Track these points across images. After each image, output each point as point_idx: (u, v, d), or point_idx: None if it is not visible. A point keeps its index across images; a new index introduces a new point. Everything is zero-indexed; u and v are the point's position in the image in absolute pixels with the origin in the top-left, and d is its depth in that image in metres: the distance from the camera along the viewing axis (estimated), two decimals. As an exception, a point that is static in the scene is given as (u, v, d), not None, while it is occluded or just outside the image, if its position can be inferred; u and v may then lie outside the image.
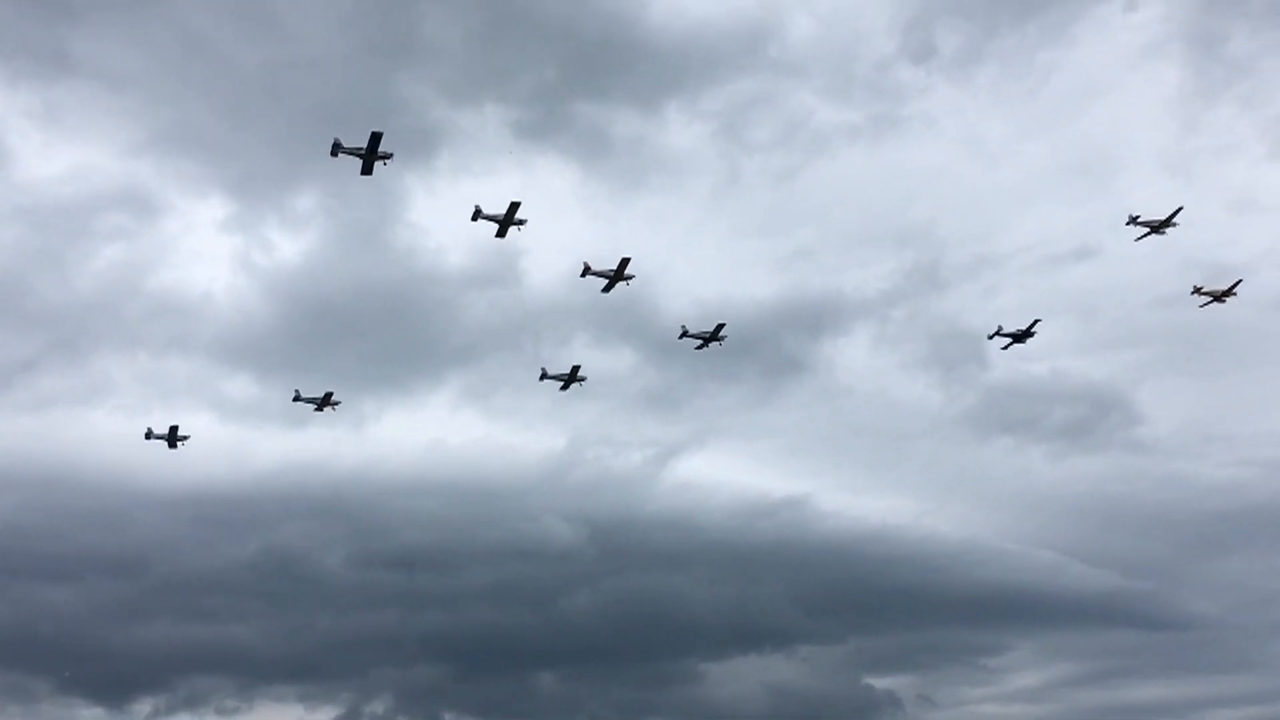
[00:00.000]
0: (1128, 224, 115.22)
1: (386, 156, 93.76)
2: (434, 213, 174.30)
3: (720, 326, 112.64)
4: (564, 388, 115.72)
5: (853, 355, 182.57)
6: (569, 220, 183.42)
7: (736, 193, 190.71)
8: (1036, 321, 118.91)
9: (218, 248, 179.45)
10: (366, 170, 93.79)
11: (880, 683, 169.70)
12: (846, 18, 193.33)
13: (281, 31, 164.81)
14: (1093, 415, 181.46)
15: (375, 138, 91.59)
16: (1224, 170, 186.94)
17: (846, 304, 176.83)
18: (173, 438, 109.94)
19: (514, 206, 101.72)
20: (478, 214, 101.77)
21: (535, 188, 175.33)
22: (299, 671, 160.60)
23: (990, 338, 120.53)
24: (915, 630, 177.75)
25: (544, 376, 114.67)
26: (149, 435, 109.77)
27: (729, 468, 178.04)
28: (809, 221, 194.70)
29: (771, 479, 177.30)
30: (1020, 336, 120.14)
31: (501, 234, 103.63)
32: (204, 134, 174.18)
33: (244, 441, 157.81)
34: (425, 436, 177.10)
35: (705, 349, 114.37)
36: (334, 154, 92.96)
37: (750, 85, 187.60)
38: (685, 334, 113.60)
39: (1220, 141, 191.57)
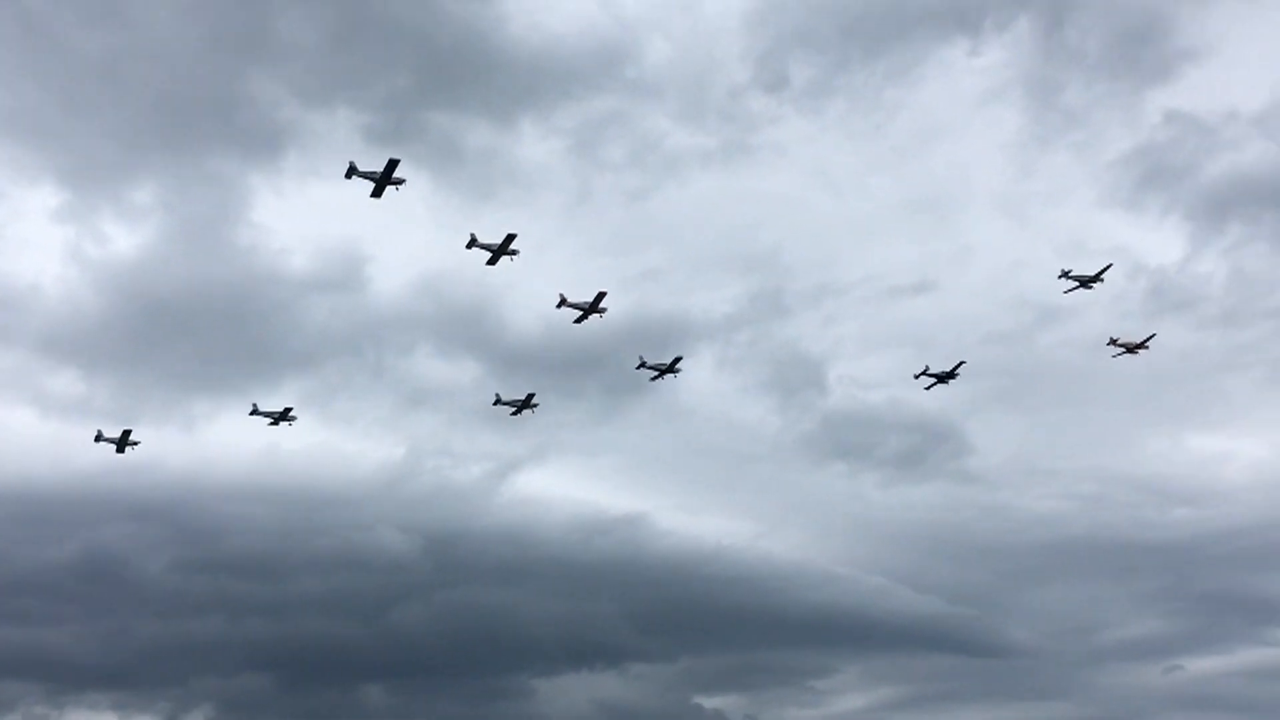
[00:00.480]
0: (1060, 277, 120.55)
1: (400, 181, 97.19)
2: (279, 213, 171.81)
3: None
4: (515, 413, 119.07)
5: (696, 377, 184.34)
6: (417, 229, 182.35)
7: (588, 210, 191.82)
8: (961, 364, 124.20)
9: (48, 237, 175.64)
10: (377, 194, 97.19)
11: (710, 702, 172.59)
12: (702, 43, 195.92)
13: (126, 18, 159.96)
14: (925, 445, 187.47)
15: (392, 164, 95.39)
16: (1057, 214, 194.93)
17: (692, 326, 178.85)
18: (123, 442, 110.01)
19: (509, 238, 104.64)
20: (473, 242, 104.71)
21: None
22: (114, 678, 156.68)
23: (916, 377, 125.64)
24: (746, 651, 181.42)
25: (498, 402, 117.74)
26: (98, 438, 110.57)
27: (568, 484, 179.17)
28: (658, 242, 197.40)
29: (610, 496, 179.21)
30: (944, 377, 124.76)
31: (492, 262, 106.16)
32: (38, 119, 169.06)
33: (66, 440, 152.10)
34: (259, 441, 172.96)
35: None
36: (348, 176, 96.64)
37: (605, 104, 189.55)
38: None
39: (1054, 186, 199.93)
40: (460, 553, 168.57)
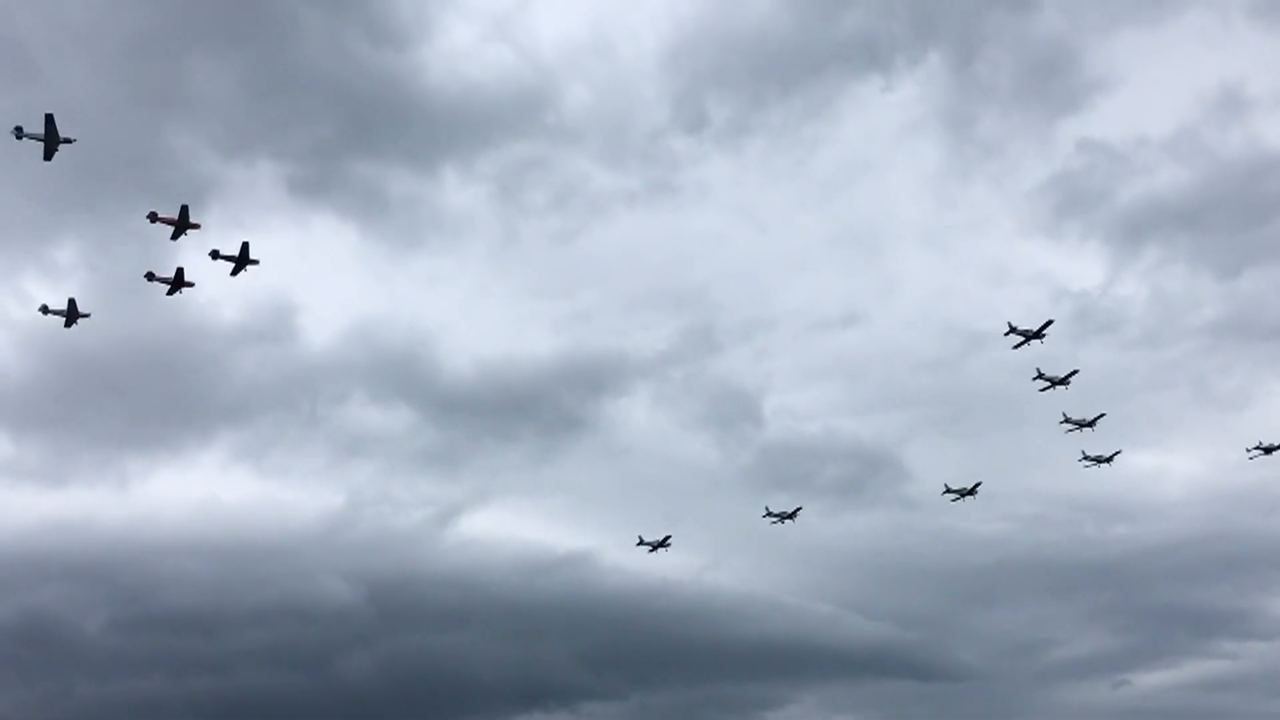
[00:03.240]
0: (1005, 334, 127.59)
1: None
2: (203, 267, 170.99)
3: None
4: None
5: (633, 414, 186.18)
6: (348, 278, 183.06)
7: (515, 254, 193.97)
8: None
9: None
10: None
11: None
12: (620, 87, 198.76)
13: (40, 76, 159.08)
14: (863, 473, 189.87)
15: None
16: (978, 244, 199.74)
17: (626, 364, 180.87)
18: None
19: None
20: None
21: (312, 245, 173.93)
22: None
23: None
24: (698, 685, 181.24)
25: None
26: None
27: (511, 525, 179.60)
28: (588, 283, 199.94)
29: (554, 536, 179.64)
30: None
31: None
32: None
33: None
34: (195, 495, 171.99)
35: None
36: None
37: (526, 149, 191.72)
38: None
39: (975, 216, 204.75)
40: (404, 599, 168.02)
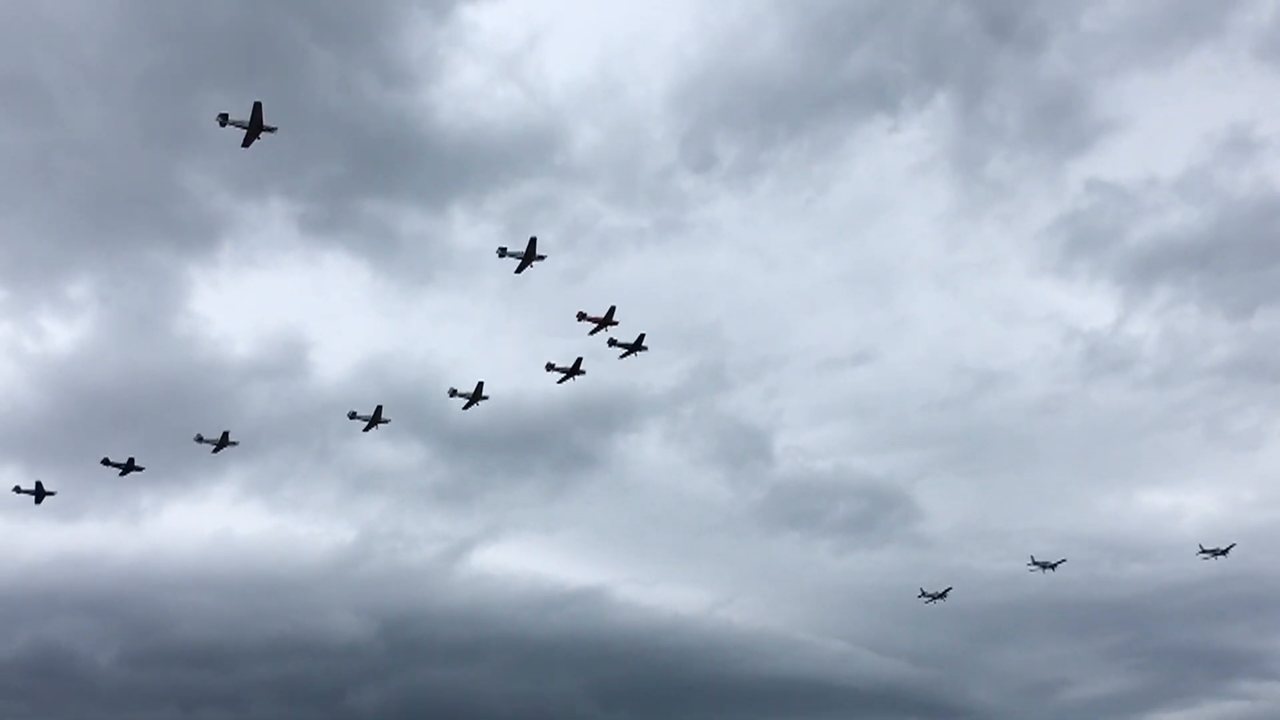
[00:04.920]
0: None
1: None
2: (216, 303, 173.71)
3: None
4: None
5: (644, 451, 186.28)
6: (359, 315, 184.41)
7: (525, 292, 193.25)
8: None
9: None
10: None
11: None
12: (628, 127, 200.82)
13: (55, 114, 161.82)
14: (874, 511, 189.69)
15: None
16: (989, 284, 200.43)
17: (638, 401, 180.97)
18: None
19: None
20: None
21: (324, 283, 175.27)
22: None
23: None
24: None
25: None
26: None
27: (523, 561, 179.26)
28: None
29: (565, 571, 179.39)
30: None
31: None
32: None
33: (11, 534, 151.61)
34: (208, 530, 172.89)
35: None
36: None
37: (535, 188, 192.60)
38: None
39: (985, 257, 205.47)
40: (416, 633, 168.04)
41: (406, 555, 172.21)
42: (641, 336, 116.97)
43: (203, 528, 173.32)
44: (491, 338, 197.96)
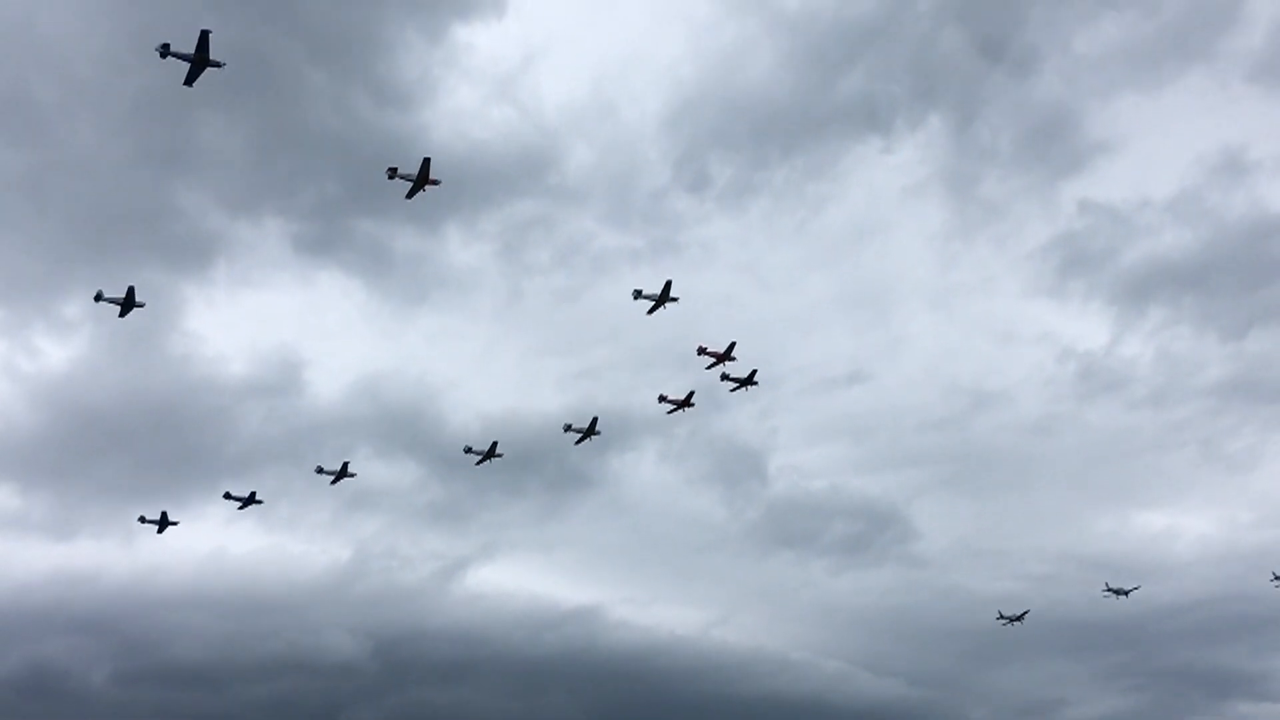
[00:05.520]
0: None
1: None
2: (212, 322, 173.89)
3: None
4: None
5: (640, 470, 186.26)
6: (354, 334, 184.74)
7: (520, 311, 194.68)
8: None
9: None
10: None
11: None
12: (622, 148, 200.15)
13: (50, 134, 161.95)
14: (870, 530, 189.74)
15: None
16: (983, 304, 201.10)
17: (632, 420, 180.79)
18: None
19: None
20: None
21: (319, 302, 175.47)
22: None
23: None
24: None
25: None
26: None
27: (517, 580, 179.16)
28: (593, 341, 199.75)
29: (560, 591, 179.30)
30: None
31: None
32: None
33: (5, 553, 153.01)
34: (202, 548, 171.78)
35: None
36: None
37: (529, 208, 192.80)
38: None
39: (979, 277, 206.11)
40: (411, 653, 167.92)
41: (401, 575, 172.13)
42: (754, 372, 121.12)
43: (197, 547, 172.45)
44: (486, 357, 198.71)
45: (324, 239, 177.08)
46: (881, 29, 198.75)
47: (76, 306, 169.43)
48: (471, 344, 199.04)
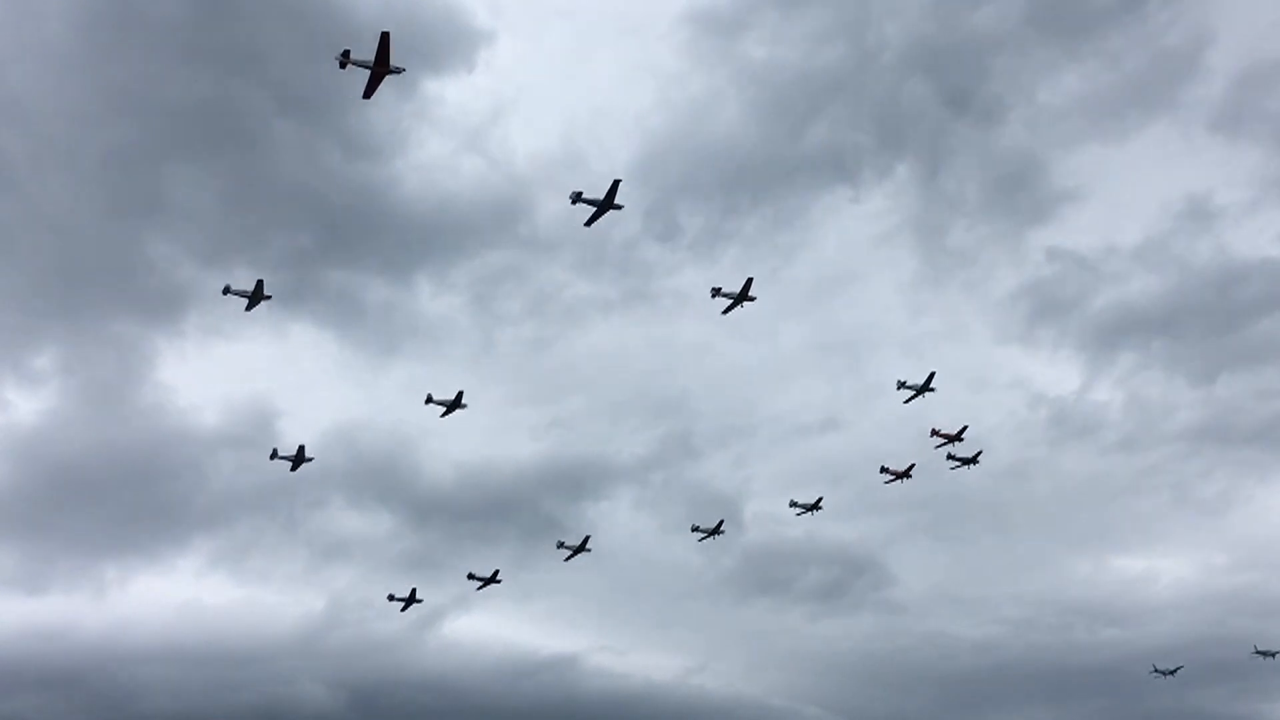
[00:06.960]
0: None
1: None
2: (183, 373, 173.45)
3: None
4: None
5: (615, 518, 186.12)
6: (326, 385, 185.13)
7: (492, 361, 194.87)
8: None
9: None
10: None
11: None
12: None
13: (19, 188, 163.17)
14: (846, 577, 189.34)
15: None
16: (955, 351, 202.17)
17: (607, 469, 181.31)
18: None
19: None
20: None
21: (291, 352, 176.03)
22: None
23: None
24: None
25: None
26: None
27: (493, 629, 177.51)
28: (566, 390, 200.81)
29: (537, 639, 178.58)
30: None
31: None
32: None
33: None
34: (174, 601, 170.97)
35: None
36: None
37: (500, 258, 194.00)
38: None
39: (950, 324, 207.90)
40: (386, 704, 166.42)
41: (376, 625, 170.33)
42: (978, 453, 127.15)
43: (169, 600, 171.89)
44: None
45: (295, 290, 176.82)
46: (847, 80, 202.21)
47: (47, 359, 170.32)
48: (444, 394, 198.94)
